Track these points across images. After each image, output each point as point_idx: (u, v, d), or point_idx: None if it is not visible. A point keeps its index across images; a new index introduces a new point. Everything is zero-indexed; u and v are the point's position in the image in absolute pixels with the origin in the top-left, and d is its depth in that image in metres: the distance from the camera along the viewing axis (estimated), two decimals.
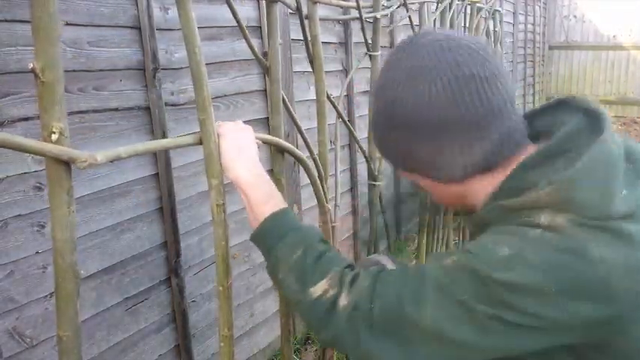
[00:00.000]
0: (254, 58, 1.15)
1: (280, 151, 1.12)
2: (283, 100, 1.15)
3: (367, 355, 0.78)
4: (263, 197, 0.91)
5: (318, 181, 1.21)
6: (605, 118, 0.77)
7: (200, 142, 0.90)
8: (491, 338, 0.71)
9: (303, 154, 1.16)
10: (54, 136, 0.62)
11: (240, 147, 0.93)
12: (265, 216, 0.89)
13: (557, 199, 0.71)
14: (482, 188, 0.83)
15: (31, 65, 0.58)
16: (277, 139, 1.09)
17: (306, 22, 1.32)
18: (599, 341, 0.73)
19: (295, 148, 1.14)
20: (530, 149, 0.81)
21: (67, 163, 0.65)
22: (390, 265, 1.03)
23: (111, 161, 0.71)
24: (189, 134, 0.92)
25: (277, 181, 1.14)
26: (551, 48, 7.00)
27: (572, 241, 0.69)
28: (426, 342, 0.74)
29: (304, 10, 1.30)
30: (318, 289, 0.81)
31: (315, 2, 1.31)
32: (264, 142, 1.05)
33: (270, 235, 0.88)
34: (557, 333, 0.71)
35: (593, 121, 0.78)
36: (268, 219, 0.89)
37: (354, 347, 0.79)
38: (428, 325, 0.73)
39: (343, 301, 0.79)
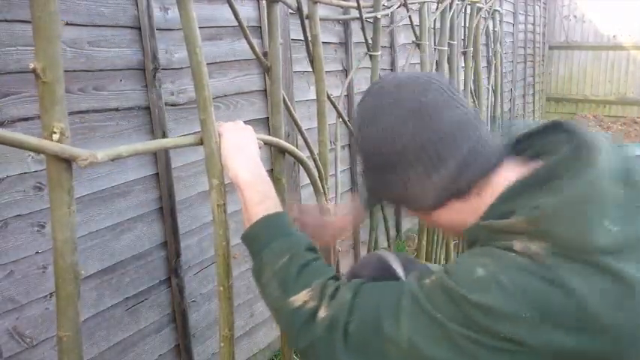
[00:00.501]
0: (254, 58, 1.15)
1: (281, 151, 1.12)
2: (284, 100, 1.15)
3: None
4: (258, 197, 0.91)
5: (319, 182, 1.20)
6: (598, 148, 0.74)
7: (200, 143, 0.90)
8: (466, 359, 0.70)
9: (304, 155, 1.16)
10: (55, 136, 0.62)
11: (240, 146, 0.93)
12: (258, 217, 0.89)
13: (532, 230, 0.71)
14: (465, 216, 0.83)
15: (31, 65, 0.58)
16: (277, 139, 1.09)
17: (306, 22, 1.32)
18: None
19: (295, 149, 1.14)
20: (508, 170, 0.81)
21: (67, 162, 0.64)
22: (392, 260, 1.03)
23: (112, 160, 0.71)
24: (190, 134, 0.92)
25: (277, 181, 1.14)
26: (551, 48, 7.00)
27: (546, 270, 0.68)
28: (400, 358, 0.74)
29: (305, 10, 1.30)
30: (299, 299, 0.81)
31: (316, 2, 1.31)
32: (265, 142, 1.05)
33: (258, 238, 0.88)
34: (530, 358, 0.69)
35: (585, 151, 0.74)
36: (260, 221, 0.89)
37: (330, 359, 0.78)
38: (404, 341, 0.73)
39: (322, 313, 0.78)
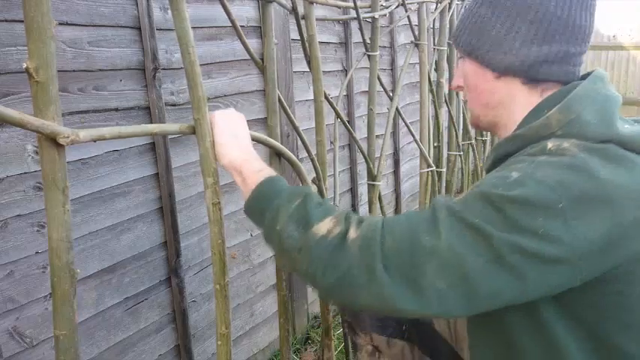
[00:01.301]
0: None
1: (277, 153, 1.12)
2: (280, 99, 1.15)
3: (380, 293, 0.73)
4: (256, 167, 0.92)
5: (308, 181, 1.21)
6: (598, 71, 0.89)
7: (191, 132, 0.89)
8: (505, 270, 0.71)
9: (295, 156, 1.16)
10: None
11: (233, 134, 0.95)
12: (260, 182, 0.90)
13: (564, 120, 0.79)
14: (517, 105, 0.90)
15: (24, 65, 0.58)
16: (268, 138, 1.09)
17: (303, 22, 1.32)
18: (597, 291, 0.76)
19: (285, 149, 1.13)
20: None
21: (55, 142, 0.63)
22: None
23: (94, 140, 0.70)
24: (178, 123, 0.91)
25: None
26: None
27: (578, 160, 0.74)
28: (442, 273, 0.72)
29: (301, 11, 1.30)
30: (322, 227, 0.78)
31: (312, 2, 1.31)
32: (256, 141, 1.04)
33: (266, 196, 0.88)
34: (563, 265, 0.71)
35: (600, 79, 0.88)
36: (263, 182, 0.89)
37: (367, 285, 0.73)
38: (444, 250, 0.72)
39: (352, 234, 0.76)
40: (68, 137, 0.63)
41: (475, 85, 0.95)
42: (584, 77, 0.92)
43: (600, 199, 0.71)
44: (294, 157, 1.14)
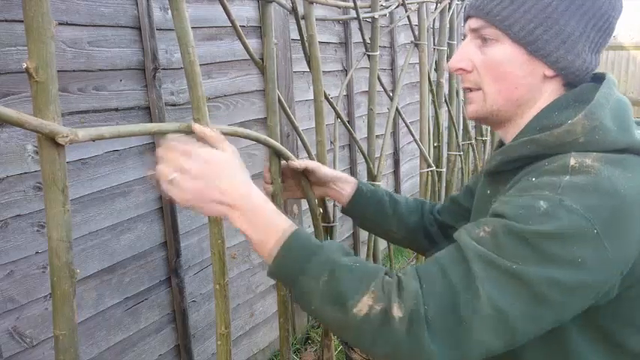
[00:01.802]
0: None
1: (276, 153, 1.12)
2: (279, 99, 1.15)
3: (429, 357, 0.73)
4: (268, 217, 0.82)
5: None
6: (609, 76, 0.86)
7: (190, 131, 0.86)
8: (546, 307, 0.71)
9: (295, 156, 1.16)
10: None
11: (232, 172, 0.83)
12: (275, 243, 0.81)
13: (589, 126, 0.77)
14: (541, 103, 0.87)
15: (24, 65, 0.58)
16: (268, 138, 1.07)
17: (302, 22, 1.32)
18: (619, 297, 0.76)
19: (285, 149, 1.12)
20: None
21: (55, 142, 0.63)
22: None
23: (93, 140, 0.69)
24: (177, 123, 0.89)
25: (273, 181, 1.14)
26: None
27: (602, 179, 0.72)
28: (487, 329, 0.72)
29: (301, 11, 1.30)
30: (362, 307, 0.75)
31: (312, 3, 1.31)
32: (256, 140, 1.04)
33: (288, 268, 0.80)
34: (601, 287, 0.72)
35: (607, 81, 0.86)
36: (281, 250, 0.80)
37: (418, 354, 0.73)
38: (486, 309, 0.71)
39: (397, 312, 0.73)
40: (67, 137, 0.63)
41: (512, 77, 0.85)
42: (592, 79, 0.91)
43: (629, 214, 0.71)
44: (293, 158, 1.14)
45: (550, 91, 0.86)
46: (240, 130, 0.97)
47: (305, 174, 1.19)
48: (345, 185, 1.21)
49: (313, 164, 1.17)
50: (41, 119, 0.61)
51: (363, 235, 2.81)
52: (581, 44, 0.83)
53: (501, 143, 0.96)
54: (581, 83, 0.85)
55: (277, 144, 1.09)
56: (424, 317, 0.72)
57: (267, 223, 0.81)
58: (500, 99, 0.87)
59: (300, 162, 1.15)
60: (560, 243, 0.69)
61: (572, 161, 0.75)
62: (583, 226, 0.69)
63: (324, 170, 1.18)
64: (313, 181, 1.20)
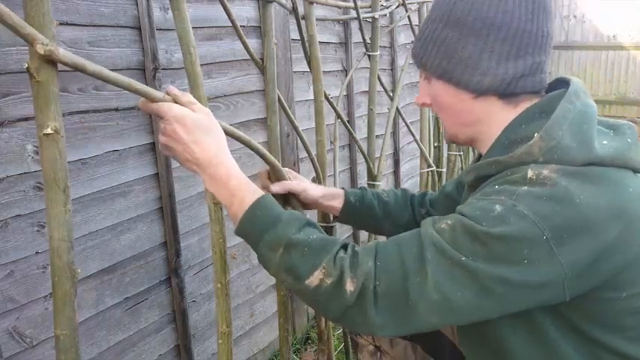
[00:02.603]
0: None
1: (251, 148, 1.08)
2: (279, 99, 1.15)
3: (375, 330, 0.81)
4: (241, 178, 0.89)
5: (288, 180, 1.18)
6: (574, 83, 0.88)
7: (169, 100, 0.84)
8: (491, 300, 0.76)
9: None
10: (49, 135, 0.62)
11: (206, 130, 0.86)
12: (239, 214, 0.88)
13: (546, 147, 0.79)
14: (494, 120, 0.90)
15: (26, 65, 0.58)
16: (257, 145, 1.02)
17: (303, 22, 1.32)
18: (582, 298, 0.78)
19: (265, 150, 1.09)
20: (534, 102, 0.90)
21: (52, 63, 0.60)
22: None
23: (73, 67, 0.64)
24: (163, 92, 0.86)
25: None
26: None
27: (558, 189, 0.75)
28: (429, 310, 0.78)
29: (301, 11, 1.30)
30: (313, 280, 0.82)
31: (312, 3, 1.31)
32: (232, 136, 0.98)
33: (250, 235, 0.88)
34: (549, 288, 0.76)
35: (573, 88, 0.88)
36: (245, 215, 0.87)
37: (362, 324, 0.82)
38: (432, 293, 0.77)
39: (350, 287, 0.80)
40: (47, 46, 0.60)
41: (449, 106, 0.93)
42: (554, 84, 0.93)
43: (582, 225, 0.74)
44: (285, 176, 1.11)
45: (489, 107, 0.90)
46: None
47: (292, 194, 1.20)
48: (333, 200, 1.27)
49: (298, 188, 1.19)
50: (23, 21, 0.59)
51: (364, 235, 2.81)
52: (484, 62, 0.86)
53: (480, 155, 1.01)
54: (515, 90, 0.88)
55: (275, 161, 1.06)
56: (373, 293, 0.80)
57: (232, 192, 0.87)
58: (453, 125, 0.96)
59: (284, 185, 1.16)
60: (507, 245, 0.74)
61: (530, 173, 0.79)
62: (533, 231, 0.73)
63: (310, 193, 1.22)
64: (301, 201, 1.22)
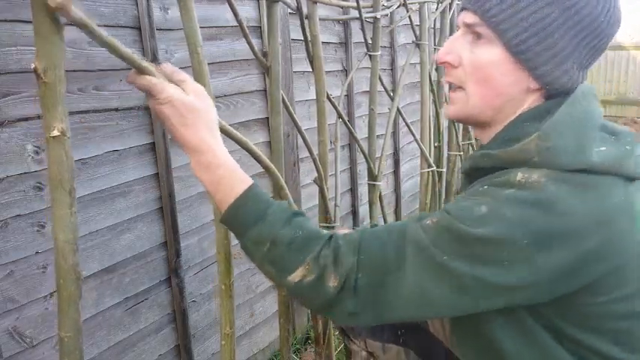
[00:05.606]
0: (254, 58, 1.15)
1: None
2: (283, 100, 1.15)
3: (354, 321, 0.84)
4: (232, 165, 0.85)
5: (285, 189, 1.14)
6: (583, 86, 0.85)
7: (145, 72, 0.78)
8: (467, 298, 0.77)
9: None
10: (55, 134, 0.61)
11: (196, 111, 0.82)
12: (225, 204, 0.85)
13: (542, 147, 0.77)
14: (522, 109, 0.86)
15: (33, 65, 0.58)
16: (235, 132, 0.96)
17: (306, 22, 1.32)
18: (564, 302, 0.79)
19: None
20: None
21: (56, 22, 0.58)
22: None
23: (81, 25, 0.61)
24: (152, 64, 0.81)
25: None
26: None
27: (543, 195, 0.74)
28: (407, 303, 0.79)
29: (304, 10, 1.30)
30: (296, 276, 0.82)
31: (315, 2, 1.31)
32: (228, 136, 0.94)
33: (236, 227, 0.86)
34: (526, 290, 0.76)
35: (580, 93, 0.84)
36: (231, 207, 0.84)
37: (343, 315, 0.83)
38: (410, 289, 0.78)
39: (333, 282, 0.81)
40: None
41: (497, 84, 0.84)
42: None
43: (562, 232, 0.73)
44: (268, 162, 1.07)
45: (530, 103, 0.86)
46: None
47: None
48: None
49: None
50: None
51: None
52: (570, 61, 0.82)
53: (481, 146, 0.98)
54: (559, 97, 0.84)
55: (270, 165, 1.03)
56: (354, 286, 0.81)
57: (218, 180, 0.84)
58: (482, 104, 0.86)
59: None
60: (486, 246, 0.74)
61: (519, 176, 0.77)
62: (513, 235, 0.73)
63: None
64: None
